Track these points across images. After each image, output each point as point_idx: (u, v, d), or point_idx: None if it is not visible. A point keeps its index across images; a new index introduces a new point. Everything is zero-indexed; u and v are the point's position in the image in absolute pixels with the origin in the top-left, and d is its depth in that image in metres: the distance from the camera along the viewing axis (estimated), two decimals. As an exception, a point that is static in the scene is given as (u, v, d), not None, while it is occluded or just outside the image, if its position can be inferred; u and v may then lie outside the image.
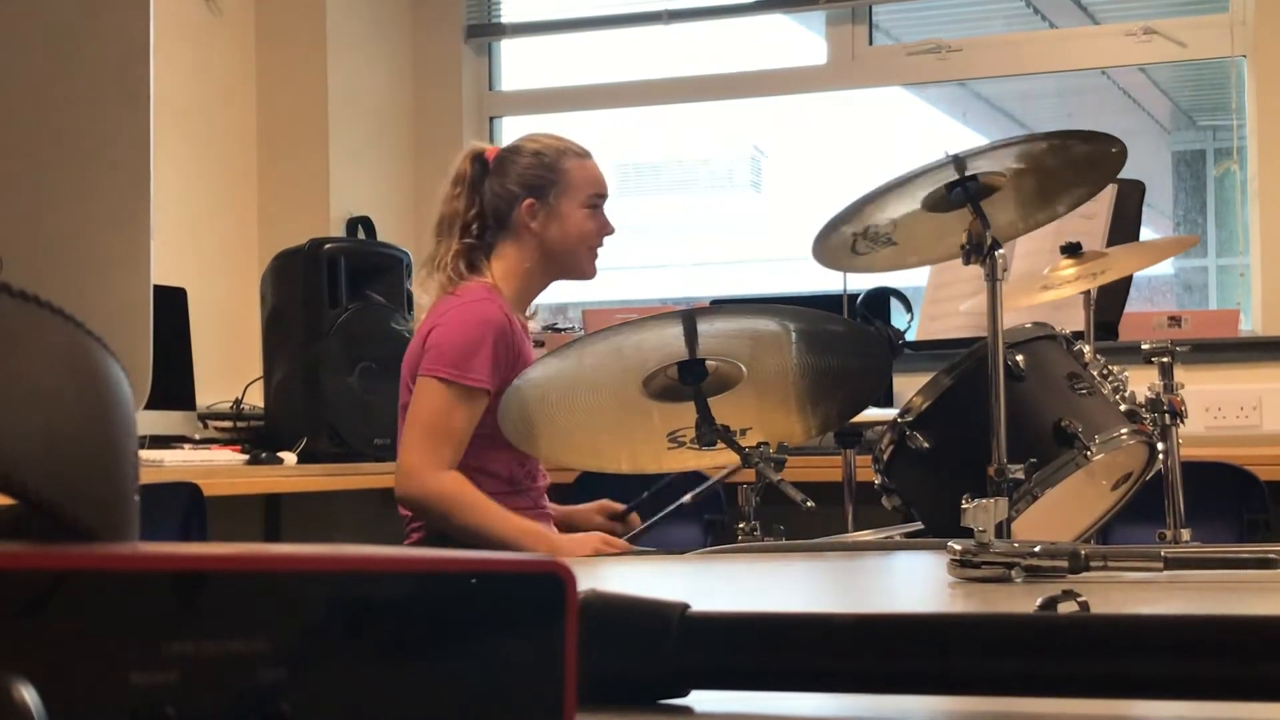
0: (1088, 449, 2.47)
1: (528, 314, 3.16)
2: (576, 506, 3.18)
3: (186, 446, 4.29)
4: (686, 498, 2.75)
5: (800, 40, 5.59)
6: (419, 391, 2.93)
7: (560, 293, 4.62)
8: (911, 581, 1.58)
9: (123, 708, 0.41)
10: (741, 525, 2.42)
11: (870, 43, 5.30)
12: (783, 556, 1.99)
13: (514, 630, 0.49)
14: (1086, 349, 2.67)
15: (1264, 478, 3.88)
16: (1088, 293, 3.09)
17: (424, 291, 3.12)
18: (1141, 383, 2.71)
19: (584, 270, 3.15)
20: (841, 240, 2.49)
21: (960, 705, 0.69)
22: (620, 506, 3.14)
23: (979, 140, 6.18)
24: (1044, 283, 3.06)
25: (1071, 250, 3.00)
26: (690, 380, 2.40)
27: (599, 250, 3.15)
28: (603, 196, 3.14)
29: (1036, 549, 1.31)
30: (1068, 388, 2.58)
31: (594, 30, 5.71)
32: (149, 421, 4.14)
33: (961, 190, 2.34)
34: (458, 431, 2.90)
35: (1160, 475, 2.73)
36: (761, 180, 7.21)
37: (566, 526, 3.10)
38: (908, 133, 5.93)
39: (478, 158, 3.13)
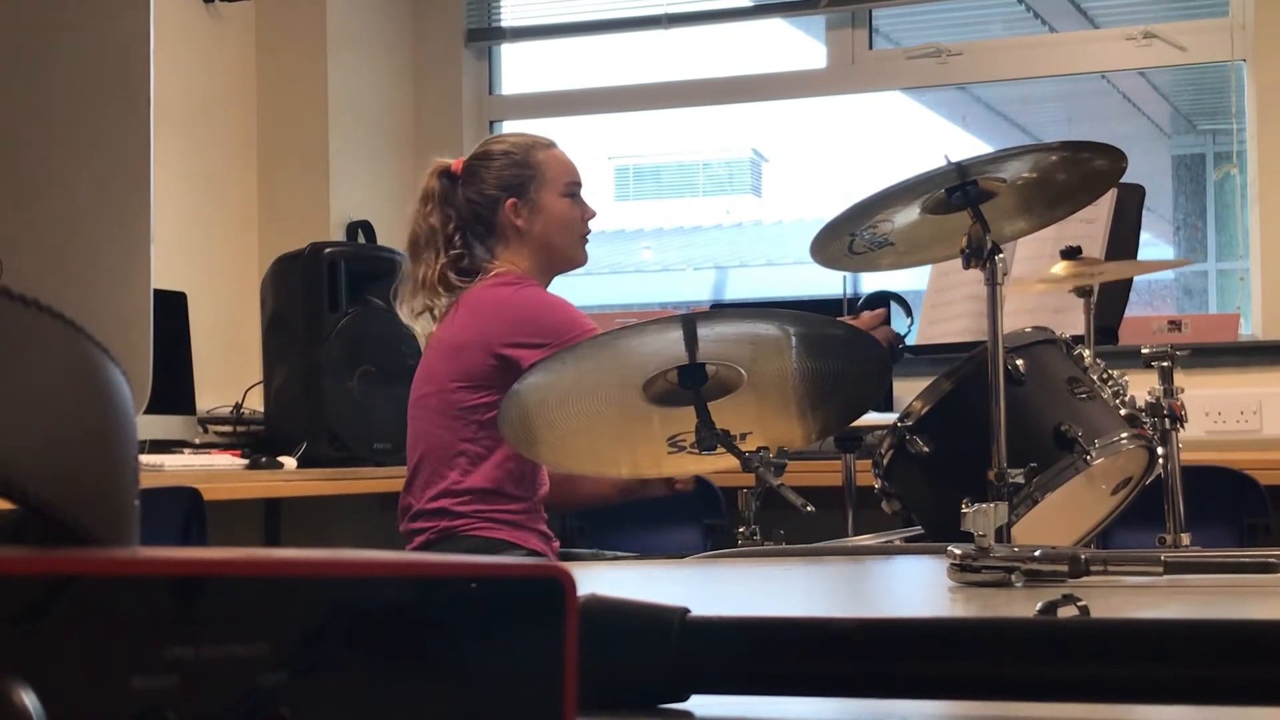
0: (1088, 453, 2.47)
1: None
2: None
3: (186, 451, 4.29)
4: None
5: (800, 44, 5.59)
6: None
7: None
8: (911, 586, 1.58)
9: (123, 712, 0.41)
10: (741, 530, 2.42)
11: (870, 47, 5.30)
12: (783, 561, 1.99)
13: (514, 635, 0.49)
14: (1086, 353, 2.67)
15: (1264, 482, 3.88)
16: (1088, 297, 3.09)
17: (409, 311, 3.14)
18: (1141, 387, 2.71)
19: (576, 259, 3.20)
20: (840, 242, 2.49)
21: (961, 710, 0.69)
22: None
23: (979, 144, 6.19)
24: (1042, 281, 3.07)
25: (1071, 254, 3.00)
26: (690, 384, 2.40)
27: (587, 236, 3.20)
28: (578, 184, 3.18)
29: (1036, 553, 1.31)
30: (1068, 392, 2.58)
31: (594, 34, 5.71)
32: (149, 426, 4.14)
33: (961, 194, 2.34)
34: None
35: (1160, 480, 2.73)
36: (761, 184, 7.21)
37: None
38: (908, 137, 5.92)
39: (444, 173, 3.16)
